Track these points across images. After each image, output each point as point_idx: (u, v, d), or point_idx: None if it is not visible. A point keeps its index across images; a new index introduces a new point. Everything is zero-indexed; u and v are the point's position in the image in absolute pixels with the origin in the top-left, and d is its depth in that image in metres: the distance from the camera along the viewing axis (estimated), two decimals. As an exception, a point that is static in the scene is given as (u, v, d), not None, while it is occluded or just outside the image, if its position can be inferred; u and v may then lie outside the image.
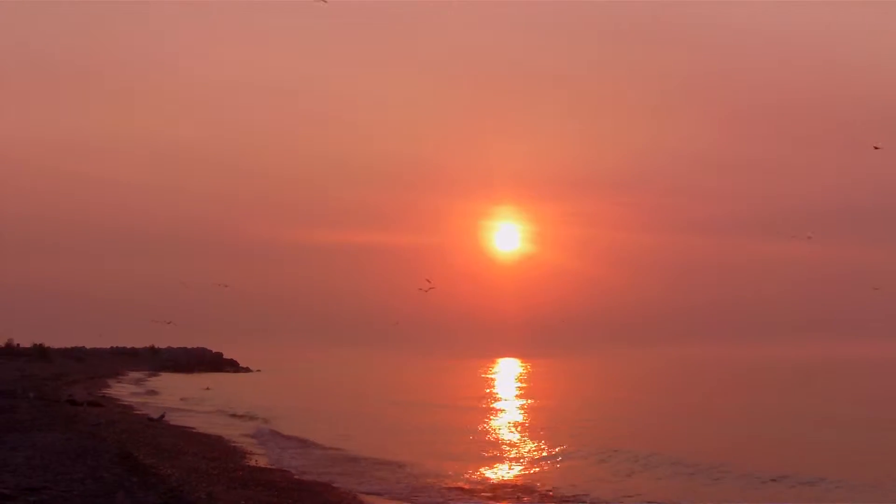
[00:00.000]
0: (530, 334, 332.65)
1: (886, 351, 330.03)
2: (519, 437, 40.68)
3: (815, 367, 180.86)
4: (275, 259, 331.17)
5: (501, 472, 28.25)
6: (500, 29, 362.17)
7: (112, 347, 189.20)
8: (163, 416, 44.28)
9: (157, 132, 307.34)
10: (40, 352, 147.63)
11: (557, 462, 31.08)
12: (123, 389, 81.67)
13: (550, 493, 23.74)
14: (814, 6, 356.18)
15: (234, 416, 51.90)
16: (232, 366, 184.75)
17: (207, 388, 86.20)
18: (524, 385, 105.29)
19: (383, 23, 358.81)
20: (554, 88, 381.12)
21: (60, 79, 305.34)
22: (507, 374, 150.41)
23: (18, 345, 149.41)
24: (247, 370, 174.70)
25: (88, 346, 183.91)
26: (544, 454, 33.37)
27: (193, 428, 40.97)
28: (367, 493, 23.04)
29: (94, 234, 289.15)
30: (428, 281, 38.05)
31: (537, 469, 29.27)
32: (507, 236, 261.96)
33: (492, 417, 53.27)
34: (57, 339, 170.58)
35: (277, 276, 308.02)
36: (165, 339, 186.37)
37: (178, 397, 71.01)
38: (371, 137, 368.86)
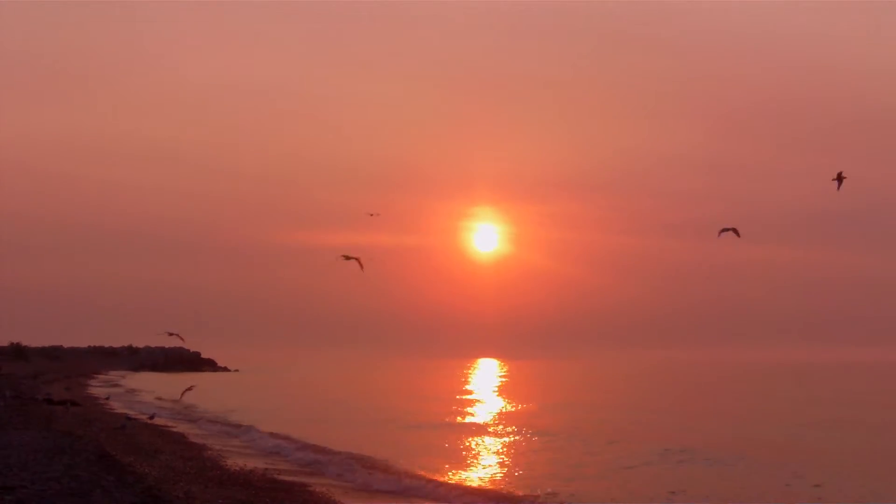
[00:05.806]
0: (509, 335, 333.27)
1: (869, 356, 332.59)
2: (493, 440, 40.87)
3: (794, 371, 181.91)
4: (255, 260, 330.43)
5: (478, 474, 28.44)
6: (483, 32, 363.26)
7: (90, 347, 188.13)
8: (152, 416, 43.70)
9: (136, 133, 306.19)
10: (17, 351, 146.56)
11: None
12: (101, 389, 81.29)
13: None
14: (798, 11, 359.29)
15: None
16: (210, 365, 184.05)
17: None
18: (502, 389, 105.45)
19: (365, 25, 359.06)
20: (535, 92, 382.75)
21: (44, 80, 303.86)
22: (484, 379, 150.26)
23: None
24: (225, 370, 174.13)
25: (66, 345, 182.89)
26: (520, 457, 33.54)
27: (170, 427, 40.95)
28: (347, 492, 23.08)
29: (72, 233, 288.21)
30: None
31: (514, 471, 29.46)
32: (487, 237, 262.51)
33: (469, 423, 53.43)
34: (34, 338, 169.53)
35: (257, 277, 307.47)
36: (143, 339, 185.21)
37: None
38: (352, 139, 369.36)
